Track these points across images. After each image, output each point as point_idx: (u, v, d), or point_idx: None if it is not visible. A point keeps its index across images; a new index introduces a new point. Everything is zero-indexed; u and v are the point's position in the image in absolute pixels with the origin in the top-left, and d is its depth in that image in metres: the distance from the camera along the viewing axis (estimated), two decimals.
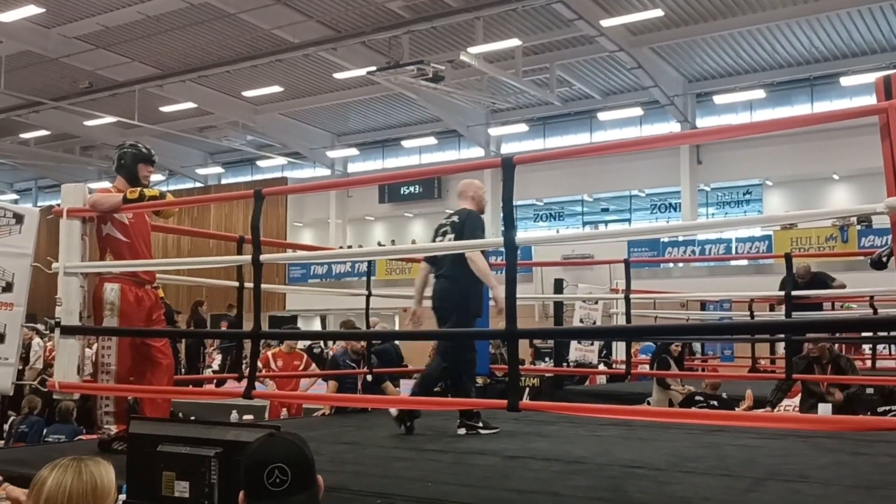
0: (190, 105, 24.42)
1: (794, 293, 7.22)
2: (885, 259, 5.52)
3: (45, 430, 8.13)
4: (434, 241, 5.66)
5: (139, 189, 4.74)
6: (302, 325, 26.69)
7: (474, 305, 5.42)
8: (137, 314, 4.77)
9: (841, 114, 3.62)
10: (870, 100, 4.99)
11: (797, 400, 7.32)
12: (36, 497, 2.20)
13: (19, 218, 4.92)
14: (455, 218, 5.58)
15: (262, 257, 4.26)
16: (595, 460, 4.47)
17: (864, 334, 9.14)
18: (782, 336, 7.93)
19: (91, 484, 2.23)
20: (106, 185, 5.16)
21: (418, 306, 5.66)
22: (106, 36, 20.51)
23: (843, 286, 9.09)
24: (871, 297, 9.37)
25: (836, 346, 7.95)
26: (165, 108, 24.76)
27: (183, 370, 12.27)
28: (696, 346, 12.79)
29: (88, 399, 6.58)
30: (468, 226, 5.42)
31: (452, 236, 5.46)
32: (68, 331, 4.75)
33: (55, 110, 24.83)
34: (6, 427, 8.86)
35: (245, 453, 2.16)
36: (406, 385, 11.21)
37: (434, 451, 4.91)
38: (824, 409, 6.72)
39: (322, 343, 17.81)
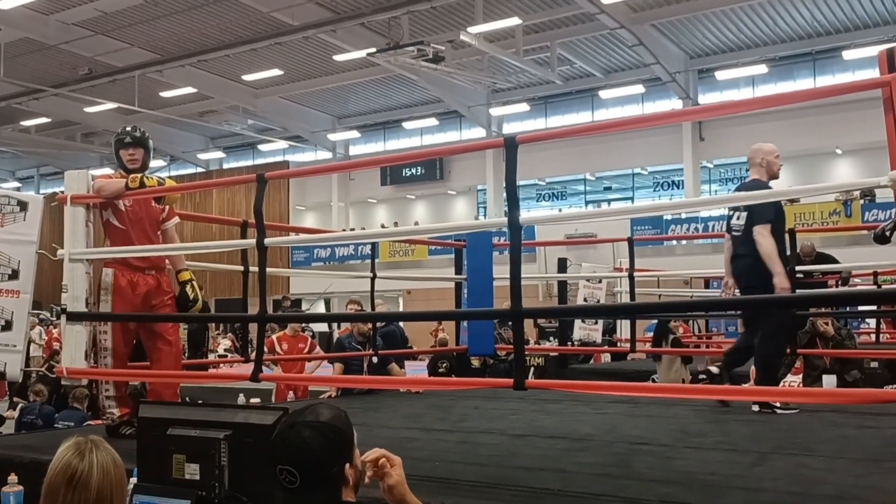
0: (190, 90, 24.36)
1: (798, 268, 7.21)
2: (888, 233, 5.50)
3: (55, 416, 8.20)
4: (729, 218, 5.52)
5: (140, 176, 4.72)
6: (306, 309, 26.73)
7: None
8: (131, 299, 4.75)
9: (844, 87, 3.60)
10: (873, 73, 4.95)
11: (801, 377, 7.34)
12: (84, 488, 2.12)
13: (23, 205, 4.91)
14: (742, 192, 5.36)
15: (267, 241, 4.26)
16: (601, 437, 4.50)
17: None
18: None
19: (118, 459, 2.24)
20: (108, 171, 5.15)
21: (730, 278, 5.54)
22: (104, 21, 20.43)
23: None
24: (875, 272, 9.38)
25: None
26: (165, 94, 24.69)
27: (185, 355, 12.34)
28: (700, 323, 12.80)
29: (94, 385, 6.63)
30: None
31: (745, 214, 5.24)
32: (74, 317, 4.78)
33: (55, 97, 24.79)
34: (15, 413, 8.94)
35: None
36: (410, 367, 11.24)
37: (441, 431, 4.94)
38: (828, 382, 6.74)
39: (327, 325, 18.00)
